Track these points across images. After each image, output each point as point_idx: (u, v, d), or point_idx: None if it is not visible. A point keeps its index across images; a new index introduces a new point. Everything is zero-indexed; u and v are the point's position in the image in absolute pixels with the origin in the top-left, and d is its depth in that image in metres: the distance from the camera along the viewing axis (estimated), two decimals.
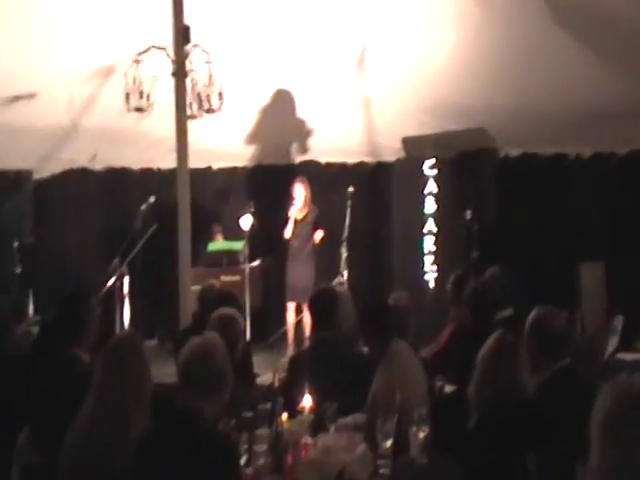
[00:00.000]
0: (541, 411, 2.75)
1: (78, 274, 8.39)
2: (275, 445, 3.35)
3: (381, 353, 3.82)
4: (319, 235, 7.92)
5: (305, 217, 7.99)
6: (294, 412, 3.68)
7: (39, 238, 8.41)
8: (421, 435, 3.34)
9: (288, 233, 7.98)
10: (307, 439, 3.48)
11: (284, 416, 3.55)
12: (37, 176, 8.45)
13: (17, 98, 7.11)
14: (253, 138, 8.53)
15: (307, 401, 3.68)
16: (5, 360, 4.41)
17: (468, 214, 7.51)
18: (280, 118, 8.15)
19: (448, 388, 4.16)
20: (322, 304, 4.27)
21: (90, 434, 3.15)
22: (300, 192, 7.95)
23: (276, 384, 4.24)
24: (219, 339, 3.14)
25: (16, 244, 7.97)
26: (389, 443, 3.40)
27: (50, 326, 5.19)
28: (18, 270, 8.03)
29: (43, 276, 8.36)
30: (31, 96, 7.07)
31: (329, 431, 3.63)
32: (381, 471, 3.27)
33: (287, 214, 7.93)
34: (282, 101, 7.94)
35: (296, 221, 7.98)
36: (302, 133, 8.47)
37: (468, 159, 7.84)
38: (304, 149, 8.79)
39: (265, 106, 8.05)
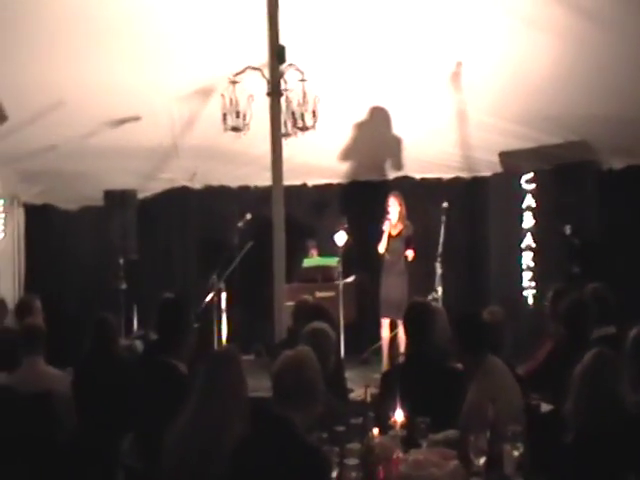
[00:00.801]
0: None
1: (178, 290, 8.67)
2: (367, 459, 3.35)
3: (474, 368, 3.75)
4: (410, 254, 7.88)
5: (399, 233, 7.97)
6: (385, 427, 3.67)
7: (143, 255, 8.71)
8: (515, 453, 3.26)
9: (382, 248, 7.97)
10: (399, 454, 3.46)
11: (375, 431, 3.55)
12: (141, 195, 8.77)
13: (122, 121, 7.43)
14: (348, 155, 8.58)
15: (399, 416, 3.66)
16: (112, 372, 4.60)
17: (567, 229, 7.31)
18: (375, 135, 8.17)
19: (545, 406, 4.04)
20: (416, 318, 4.23)
21: (188, 441, 3.25)
22: (394, 206, 7.93)
23: (368, 399, 4.23)
24: (311, 352, 3.17)
25: (121, 261, 8.27)
26: (482, 460, 3.34)
27: (153, 338, 5.41)
28: (123, 286, 8.32)
29: (147, 292, 8.65)
30: (136, 119, 7.38)
31: (421, 447, 3.60)
32: None
33: (381, 229, 7.93)
34: (377, 118, 7.97)
35: (390, 236, 7.97)
36: (397, 150, 8.46)
37: (568, 172, 7.61)
38: (399, 166, 8.77)
39: (360, 123, 8.09)
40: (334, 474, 3.21)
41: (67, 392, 4.90)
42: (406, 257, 7.91)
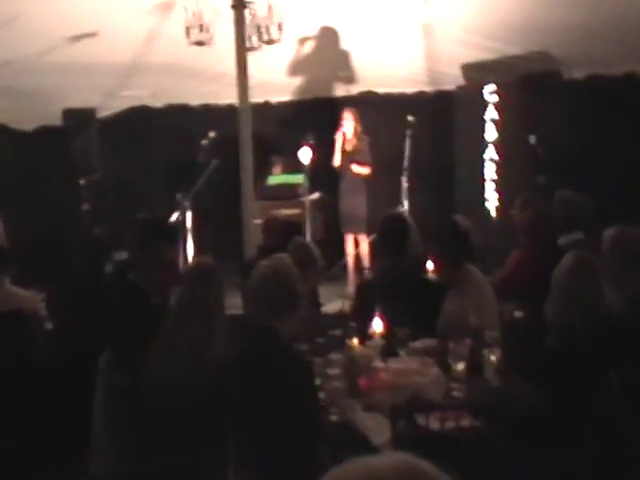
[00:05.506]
0: (627, 327, 2.73)
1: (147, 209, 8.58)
2: (348, 369, 3.44)
3: (454, 277, 3.83)
4: (355, 169, 7.86)
5: (354, 148, 7.94)
6: (365, 337, 3.76)
7: (105, 175, 8.57)
8: (493, 358, 3.38)
9: (337, 161, 7.95)
10: (378, 363, 3.56)
11: (355, 341, 3.64)
12: (101, 114, 8.55)
13: (79, 37, 7.16)
14: (305, 70, 8.46)
15: (378, 326, 3.75)
16: (100, 291, 4.57)
17: (532, 138, 7.35)
18: (327, 51, 8.05)
19: (517, 313, 4.17)
20: (391, 229, 4.26)
21: (170, 357, 3.28)
22: (349, 121, 7.89)
23: (347, 310, 4.31)
24: (289, 259, 3.20)
25: (83, 181, 8.12)
26: (461, 366, 3.45)
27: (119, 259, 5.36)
28: (86, 207, 8.20)
29: (109, 213, 8.55)
30: (92, 34, 7.12)
31: (399, 355, 3.70)
32: (454, 393, 3.33)
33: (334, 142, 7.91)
34: (326, 35, 7.86)
35: (346, 152, 7.94)
36: (351, 64, 8.36)
37: (531, 83, 7.61)
38: (352, 80, 8.67)
39: (313, 38, 7.97)
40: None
41: (36, 312, 4.88)
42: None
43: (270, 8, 5.88)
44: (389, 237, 4.21)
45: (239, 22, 5.98)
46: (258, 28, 5.92)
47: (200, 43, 5.95)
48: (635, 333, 2.67)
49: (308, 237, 7.70)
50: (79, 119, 8.01)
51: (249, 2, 5.94)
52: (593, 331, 2.67)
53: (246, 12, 6.00)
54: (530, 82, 7.58)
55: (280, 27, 5.94)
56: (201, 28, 5.82)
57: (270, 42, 5.99)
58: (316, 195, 8.44)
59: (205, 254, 7.93)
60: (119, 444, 3.33)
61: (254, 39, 6.03)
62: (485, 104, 8.00)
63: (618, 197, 7.32)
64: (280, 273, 3.01)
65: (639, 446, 2.36)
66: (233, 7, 5.97)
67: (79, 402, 3.81)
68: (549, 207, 4.91)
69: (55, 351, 4.65)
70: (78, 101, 8.06)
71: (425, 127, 8.15)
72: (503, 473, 2.36)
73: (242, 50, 6.06)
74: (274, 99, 9.08)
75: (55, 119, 8.31)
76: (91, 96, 8.15)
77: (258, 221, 6.86)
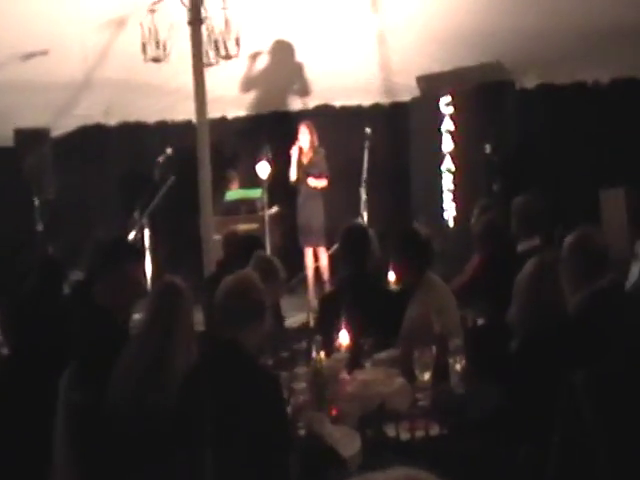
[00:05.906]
0: (590, 328, 2.77)
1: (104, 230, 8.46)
2: (315, 382, 3.42)
3: (416, 284, 3.84)
4: (311, 182, 7.89)
5: (310, 161, 7.98)
6: (330, 350, 3.75)
7: (60, 195, 8.42)
8: (458, 366, 3.40)
9: (293, 175, 7.98)
10: (344, 375, 3.55)
11: (321, 354, 3.62)
12: (55, 132, 8.41)
13: (30, 55, 7.05)
14: (260, 84, 8.47)
15: (344, 338, 3.74)
16: (57, 311, 4.48)
17: (487, 148, 7.46)
18: (283, 65, 8.09)
19: (480, 320, 4.20)
20: (353, 241, 4.26)
21: (136, 373, 3.23)
22: (305, 135, 7.92)
23: (311, 323, 4.30)
24: (254, 273, 3.20)
25: (37, 202, 7.98)
26: (427, 375, 3.46)
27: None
28: (40, 227, 8.05)
29: (64, 232, 8.40)
30: (43, 52, 7.01)
31: (365, 367, 3.70)
32: (420, 403, 3.34)
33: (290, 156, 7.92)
34: (281, 48, 7.90)
35: (302, 165, 7.97)
36: (306, 77, 8.40)
37: (484, 93, 7.75)
38: (306, 92, 8.72)
39: (268, 52, 8.00)
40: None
41: None
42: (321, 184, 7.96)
43: (227, 23, 5.86)
44: (350, 248, 4.22)
45: (196, 38, 5.94)
46: (216, 43, 5.89)
47: (156, 60, 5.90)
48: (592, 332, 2.71)
49: (268, 251, 7.68)
50: (31, 139, 7.85)
51: (206, 18, 5.91)
52: (555, 333, 2.70)
53: (203, 27, 5.97)
54: (484, 92, 7.71)
55: (237, 42, 5.92)
56: (157, 45, 5.77)
57: (228, 57, 5.97)
58: (274, 209, 8.43)
59: (163, 271, 7.93)
60: (82, 465, 3.27)
61: (211, 54, 6.00)
62: (441, 115, 8.09)
63: (571, 202, 7.48)
64: (247, 287, 3.01)
65: (601, 444, 2.39)
66: (190, 23, 5.94)
67: (38, 427, 3.73)
68: (506, 214, 4.96)
69: (12, 376, 4.55)
70: (30, 120, 7.92)
71: (382, 139, 8.23)
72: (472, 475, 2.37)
73: (199, 66, 6.03)
74: (231, 114, 9.06)
75: (6, 139, 8.15)
76: (43, 115, 8.02)
77: (217, 236, 6.82)
